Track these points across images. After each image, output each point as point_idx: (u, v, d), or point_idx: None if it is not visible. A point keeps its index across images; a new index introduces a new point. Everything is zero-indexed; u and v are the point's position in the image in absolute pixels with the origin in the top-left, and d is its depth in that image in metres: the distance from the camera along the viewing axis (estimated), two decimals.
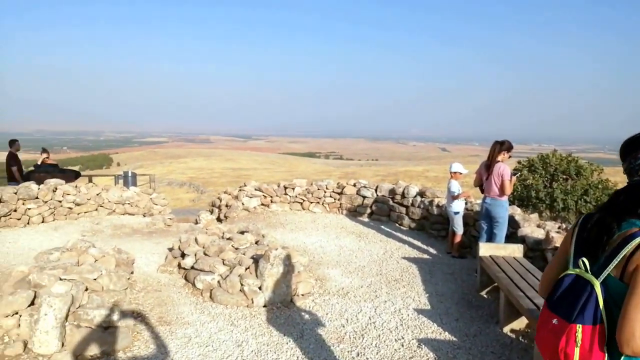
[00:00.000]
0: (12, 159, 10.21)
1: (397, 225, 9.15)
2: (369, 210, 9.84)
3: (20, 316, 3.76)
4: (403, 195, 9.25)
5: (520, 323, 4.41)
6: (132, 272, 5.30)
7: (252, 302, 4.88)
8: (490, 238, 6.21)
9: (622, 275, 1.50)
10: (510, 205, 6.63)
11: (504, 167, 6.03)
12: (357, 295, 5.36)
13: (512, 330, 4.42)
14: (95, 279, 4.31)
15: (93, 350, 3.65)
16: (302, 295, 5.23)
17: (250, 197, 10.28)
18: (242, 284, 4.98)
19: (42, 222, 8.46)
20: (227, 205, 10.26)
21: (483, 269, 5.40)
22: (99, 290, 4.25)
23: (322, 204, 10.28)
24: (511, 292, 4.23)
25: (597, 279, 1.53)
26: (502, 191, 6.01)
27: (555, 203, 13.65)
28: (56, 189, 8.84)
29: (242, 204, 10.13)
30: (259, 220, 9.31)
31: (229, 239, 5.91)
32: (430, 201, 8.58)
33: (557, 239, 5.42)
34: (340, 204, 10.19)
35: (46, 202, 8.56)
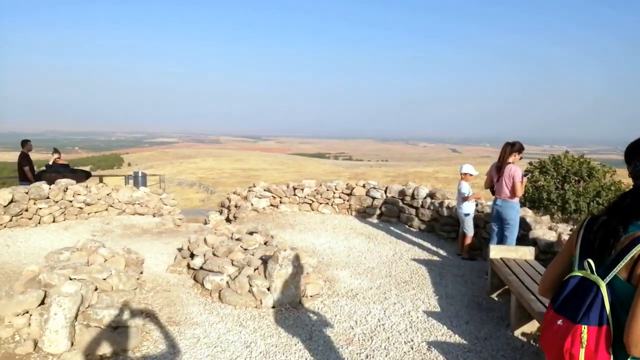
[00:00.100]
0: (24, 159, 10.31)
1: (406, 226, 9.10)
2: (378, 212, 9.80)
3: (31, 315, 3.79)
4: (413, 197, 9.20)
5: (532, 326, 4.36)
6: (141, 272, 5.32)
7: (261, 303, 4.87)
8: (501, 240, 6.15)
9: (630, 277, 1.48)
10: (521, 207, 6.57)
11: (515, 168, 5.97)
12: (366, 296, 5.33)
13: (523, 334, 4.37)
14: (104, 279, 4.32)
15: (102, 350, 3.66)
16: (311, 296, 5.21)
17: (260, 198, 10.29)
18: (250, 285, 4.97)
19: (53, 221, 8.53)
20: (236, 206, 10.27)
21: (494, 272, 5.35)
22: (108, 290, 4.27)
23: (331, 205, 10.26)
24: (522, 295, 4.18)
25: (603, 280, 1.52)
26: (513, 193, 5.95)
27: (567, 205, 13.51)
28: (67, 189, 8.91)
29: (251, 204, 10.13)
30: (268, 221, 9.31)
31: (237, 239, 5.91)
32: (440, 203, 8.53)
33: None
34: (350, 205, 10.16)
35: (57, 202, 8.63)
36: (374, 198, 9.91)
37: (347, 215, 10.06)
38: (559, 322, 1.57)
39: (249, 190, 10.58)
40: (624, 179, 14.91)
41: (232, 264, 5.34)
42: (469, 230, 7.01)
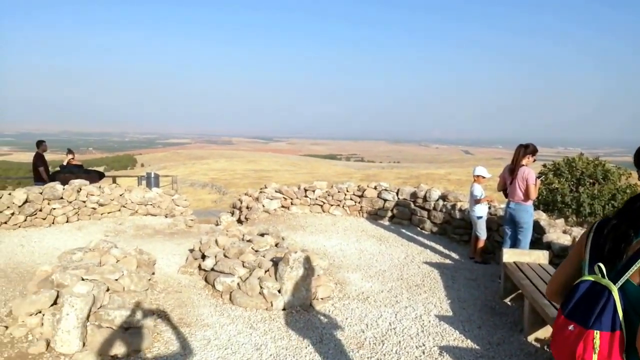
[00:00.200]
0: (39, 159, 10.43)
1: (418, 229, 9.04)
2: (389, 214, 9.75)
3: (44, 315, 3.82)
4: (425, 199, 9.14)
5: (546, 332, 4.29)
6: (153, 273, 5.34)
7: (272, 305, 4.86)
8: (515, 244, 6.08)
9: None
10: (535, 210, 6.49)
11: (529, 171, 5.90)
12: (377, 300, 5.30)
13: (536, 339, 4.31)
14: (116, 280, 4.35)
15: (114, 350, 3.67)
16: (322, 299, 5.19)
17: (271, 199, 10.29)
18: (261, 287, 4.97)
19: (67, 222, 8.61)
20: (247, 207, 10.29)
21: (507, 276, 5.28)
22: (120, 290, 4.29)
23: (343, 206, 10.24)
24: (536, 299, 4.12)
25: (614, 284, 1.50)
26: (526, 196, 5.88)
27: (581, 208, 13.34)
28: (80, 189, 8.99)
29: (263, 206, 10.14)
30: (279, 222, 9.32)
31: (249, 241, 5.91)
32: (452, 205, 8.46)
33: None
34: (361, 207, 10.13)
35: (70, 202, 8.71)
36: (385, 200, 9.86)
37: (359, 217, 10.02)
38: (570, 327, 1.55)
39: (261, 192, 10.59)
40: None
41: (243, 266, 5.34)
42: (482, 233, 6.94)
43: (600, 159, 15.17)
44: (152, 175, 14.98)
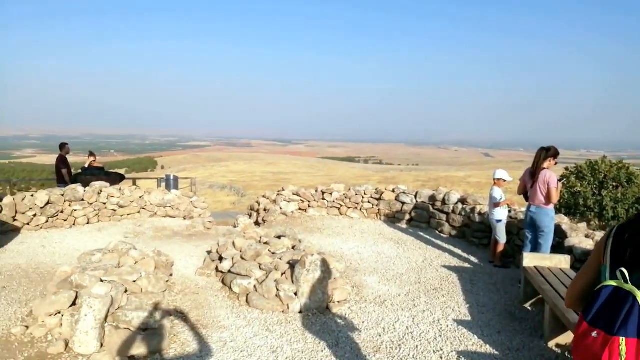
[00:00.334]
0: (62, 161, 10.61)
1: (437, 232, 8.95)
2: (407, 217, 9.67)
3: (63, 316, 3.87)
4: (444, 202, 9.05)
5: (567, 338, 4.20)
6: (171, 275, 5.38)
7: (288, 308, 4.85)
8: (535, 248, 5.97)
9: None
10: (556, 213, 6.36)
11: (550, 174, 5.79)
12: (394, 303, 5.25)
13: (557, 345, 4.22)
14: (134, 281, 4.38)
15: (131, 351, 3.70)
16: (338, 302, 5.16)
17: (288, 202, 10.30)
18: (278, 289, 4.96)
19: (87, 223, 8.75)
20: (265, 210, 10.32)
21: (527, 280, 5.19)
22: (137, 292, 4.32)
23: (360, 209, 10.19)
24: (557, 305, 4.04)
25: (638, 290, 1.46)
26: (548, 199, 5.77)
27: (604, 212, 13.05)
28: (101, 191, 9.13)
29: (280, 208, 10.16)
30: (296, 224, 9.32)
31: (266, 243, 5.92)
32: (472, 208, 8.36)
33: None
34: (379, 209, 10.07)
35: (91, 204, 8.85)
36: (403, 203, 9.79)
37: (376, 220, 9.97)
38: (594, 334, 1.51)
39: (278, 194, 10.61)
40: None
41: (260, 268, 5.34)
42: (501, 237, 6.83)
43: (624, 161, 14.84)
44: (172, 178, 15.13)
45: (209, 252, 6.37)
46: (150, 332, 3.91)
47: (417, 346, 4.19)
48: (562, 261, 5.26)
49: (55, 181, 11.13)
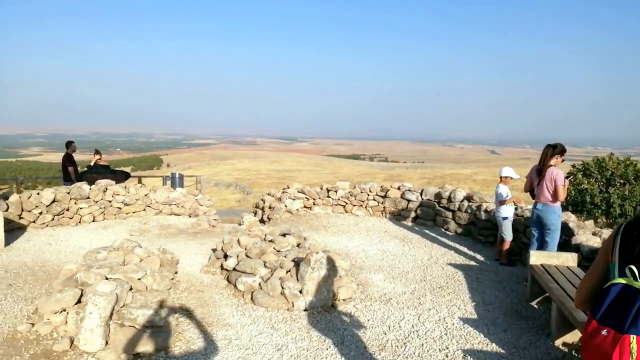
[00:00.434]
0: (68, 159, 10.65)
1: (442, 230, 8.92)
2: (413, 214, 9.64)
3: (68, 313, 3.88)
4: (449, 200, 9.01)
5: (574, 336, 4.17)
6: (176, 272, 5.38)
7: (293, 306, 4.84)
8: (542, 246, 5.92)
9: None
10: (563, 211, 6.32)
11: (557, 171, 5.74)
12: (400, 301, 5.23)
13: (564, 344, 4.19)
14: (139, 279, 4.38)
15: (136, 349, 3.71)
16: (344, 300, 5.15)
17: (293, 200, 10.30)
18: (282, 287, 4.95)
19: (93, 221, 8.77)
20: (270, 207, 10.31)
21: (534, 278, 5.15)
22: (142, 290, 4.32)
23: (365, 207, 10.17)
24: (564, 303, 4.01)
25: None
26: (555, 197, 5.72)
27: (611, 209, 12.96)
28: (106, 189, 9.15)
29: (285, 206, 10.15)
30: (301, 222, 9.31)
31: (270, 241, 5.91)
32: (478, 206, 8.32)
33: None
34: (384, 207, 10.04)
35: (97, 202, 8.87)
36: (409, 200, 9.76)
37: (381, 218, 9.94)
38: (604, 332, 1.49)
39: (283, 192, 10.60)
40: None
41: (265, 266, 5.33)
42: (507, 234, 6.79)
43: (631, 158, 14.73)
44: (177, 176, 15.17)
45: (214, 250, 6.37)
46: (156, 329, 3.91)
47: (422, 344, 4.17)
48: (569, 259, 5.22)
49: (61, 179, 11.18)
